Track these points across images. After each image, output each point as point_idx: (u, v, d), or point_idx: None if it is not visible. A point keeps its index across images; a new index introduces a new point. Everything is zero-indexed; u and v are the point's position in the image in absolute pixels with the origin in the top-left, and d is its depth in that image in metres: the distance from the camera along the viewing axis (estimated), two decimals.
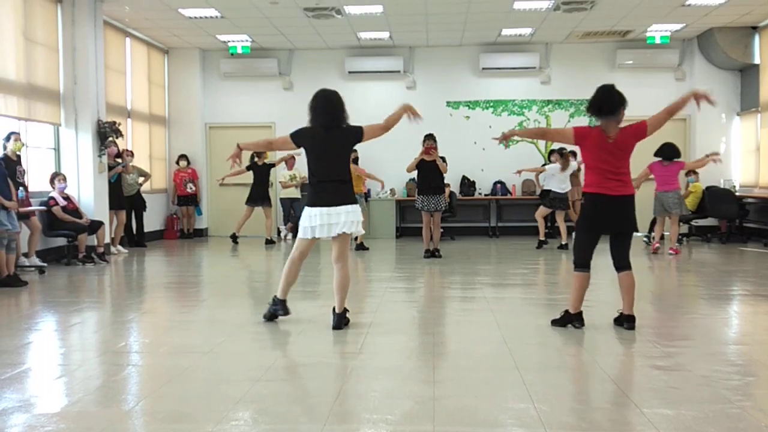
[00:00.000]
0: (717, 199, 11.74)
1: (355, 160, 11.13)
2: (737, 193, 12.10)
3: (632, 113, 14.91)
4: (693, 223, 12.17)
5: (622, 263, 5.02)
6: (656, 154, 9.86)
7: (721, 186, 12.35)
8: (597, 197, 4.92)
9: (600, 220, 4.96)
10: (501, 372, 3.97)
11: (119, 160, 10.67)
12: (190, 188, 13.15)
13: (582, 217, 5.12)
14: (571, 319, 5.09)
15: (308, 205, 5.12)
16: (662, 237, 10.45)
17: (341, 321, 5.12)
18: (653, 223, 10.65)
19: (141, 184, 11.57)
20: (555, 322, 5.14)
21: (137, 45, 12.30)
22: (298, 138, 5.21)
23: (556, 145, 12.49)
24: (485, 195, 13.31)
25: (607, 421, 3.19)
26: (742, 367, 4.09)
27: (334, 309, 5.17)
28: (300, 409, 3.42)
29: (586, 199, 5.03)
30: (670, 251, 9.84)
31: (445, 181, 9.95)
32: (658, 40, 12.54)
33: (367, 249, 10.82)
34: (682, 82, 13.12)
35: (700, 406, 3.32)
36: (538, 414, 3.22)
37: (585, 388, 3.72)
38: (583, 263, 5.01)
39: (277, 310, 5.34)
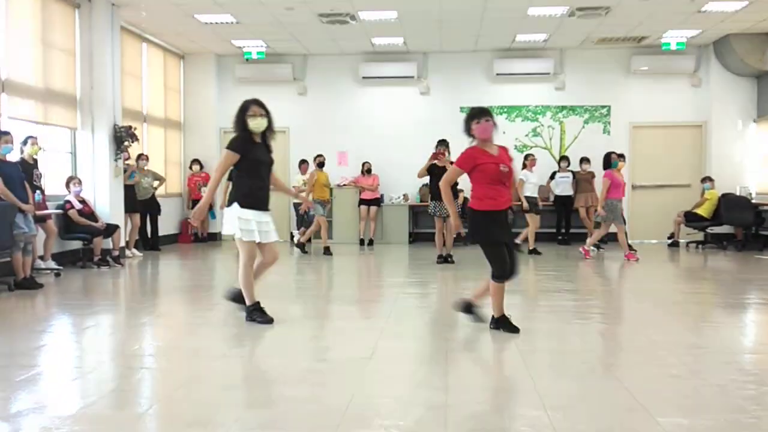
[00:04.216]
0: (733, 206, 11.65)
1: (321, 165, 11.21)
2: (753, 201, 11.99)
3: (647, 119, 14.86)
4: (709, 230, 12.07)
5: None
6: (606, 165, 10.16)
7: (737, 193, 12.24)
8: None
9: None
10: (513, 379, 3.96)
11: (129, 163, 10.75)
12: (204, 192, 13.19)
13: None
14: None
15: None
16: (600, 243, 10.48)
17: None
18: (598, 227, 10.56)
19: (156, 188, 11.64)
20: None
21: (153, 50, 12.40)
22: None
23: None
24: None
25: (621, 430, 3.16)
26: (758, 377, 4.04)
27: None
28: (312, 414, 3.42)
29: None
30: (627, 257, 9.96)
31: (459, 187, 9.92)
32: (673, 46, 12.46)
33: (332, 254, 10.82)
34: (698, 88, 13.05)
35: (716, 416, 3.29)
36: (550, 421, 3.20)
37: (598, 396, 3.70)
38: None
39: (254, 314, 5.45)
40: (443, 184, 5.18)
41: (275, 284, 8.47)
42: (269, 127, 5.41)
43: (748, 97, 12.82)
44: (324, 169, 11.35)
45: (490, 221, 4.92)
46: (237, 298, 5.57)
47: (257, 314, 5.39)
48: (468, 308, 5.30)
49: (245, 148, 5.33)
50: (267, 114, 5.36)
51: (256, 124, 5.31)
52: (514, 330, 5.02)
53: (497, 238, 4.94)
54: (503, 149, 5.10)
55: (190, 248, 12.31)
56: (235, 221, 5.29)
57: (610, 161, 10.14)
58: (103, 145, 10.02)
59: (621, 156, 10.41)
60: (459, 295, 7.36)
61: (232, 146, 5.36)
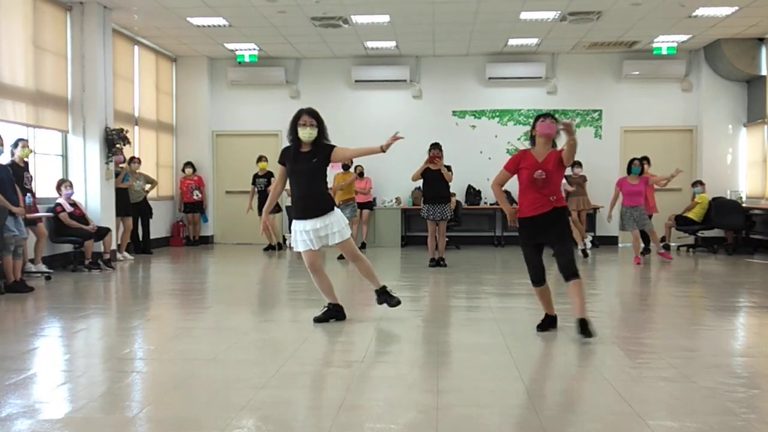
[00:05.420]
0: (723, 210, 11.70)
1: (345, 167, 11.20)
2: (744, 205, 12.06)
3: (638, 123, 14.90)
4: (699, 234, 12.13)
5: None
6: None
7: (728, 197, 12.32)
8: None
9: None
10: (505, 382, 3.96)
11: (123, 166, 10.72)
12: (197, 195, 13.19)
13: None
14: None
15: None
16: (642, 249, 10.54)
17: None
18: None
19: (147, 191, 11.61)
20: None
21: (145, 53, 12.38)
22: None
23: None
24: (491, 204, 13.30)
25: None
26: (748, 380, 4.07)
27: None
28: (303, 417, 3.42)
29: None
30: (665, 258, 10.10)
31: (451, 191, 9.95)
32: (664, 51, 12.54)
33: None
34: (689, 93, 13.12)
35: (705, 419, 3.30)
36: (542, 424, 3.21)
37: (589, 399, 3.71)
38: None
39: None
40: (493, 185, 5.35)
41: (267, 287, 8.46)
42: (320, 136, 5.37)
43: (738, 101, 12.91)
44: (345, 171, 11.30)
45: (521, 227, 5.23)
46: (332, 314, 5.66)
47: (385, 296, 5.74)
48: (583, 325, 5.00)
49: (284, 159, 5.47)
50: (318, 123, 5.34)
51: (304, 133, 5.31)
52: (543, 327, 5.28)
53: (523, 243, 5.32)
54: (554, 153, 5.03)
55: (182, 251, 12.28)
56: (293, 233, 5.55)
57: (630, 168, 10.10)
58: (95, 148, 9.99)
59: (644, 159, 10.46)
60: (451, 298, 7.39)
61: (278, 158, 5.56)
